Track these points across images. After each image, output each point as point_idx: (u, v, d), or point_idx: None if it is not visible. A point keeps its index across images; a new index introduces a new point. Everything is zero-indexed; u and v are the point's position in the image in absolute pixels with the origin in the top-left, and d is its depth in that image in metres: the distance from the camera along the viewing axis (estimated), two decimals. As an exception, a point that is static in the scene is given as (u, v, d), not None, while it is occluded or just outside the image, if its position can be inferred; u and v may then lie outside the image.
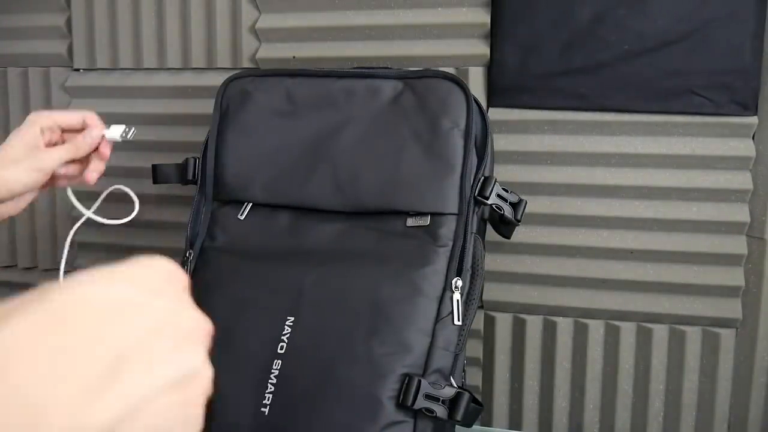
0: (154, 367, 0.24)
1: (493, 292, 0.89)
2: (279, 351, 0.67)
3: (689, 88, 0.81)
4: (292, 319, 0.68)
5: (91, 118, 0.69)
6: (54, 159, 0.66)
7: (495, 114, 0.87)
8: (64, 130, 0.69)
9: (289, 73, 0.81)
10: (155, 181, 0.86)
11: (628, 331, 0.87)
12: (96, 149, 0.69)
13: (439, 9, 0.87)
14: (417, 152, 0.73)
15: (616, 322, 0.87)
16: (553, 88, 0.85)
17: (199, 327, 0.28)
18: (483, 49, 0.87)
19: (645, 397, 0.87)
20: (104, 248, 1.03)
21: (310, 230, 0.75)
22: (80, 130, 0.68)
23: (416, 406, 0.63)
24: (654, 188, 0.84)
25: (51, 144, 0.68)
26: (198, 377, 0.26)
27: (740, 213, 0.83)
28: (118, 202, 1.01)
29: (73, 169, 0.70)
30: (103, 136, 0.69)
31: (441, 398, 0.65)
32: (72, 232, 0.74)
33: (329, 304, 0.68)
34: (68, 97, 1.02)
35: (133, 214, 0.73)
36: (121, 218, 0.73)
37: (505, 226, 0.78)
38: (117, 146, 1.01)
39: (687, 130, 0.83)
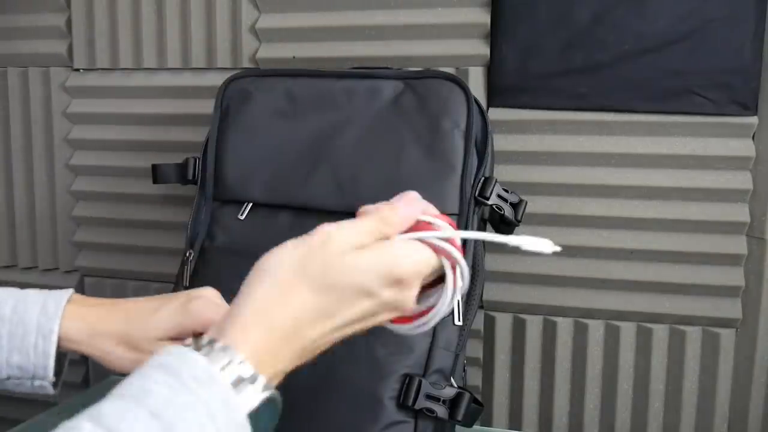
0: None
1: (493, 292, 0.89)
2: (279, 351, 0.67)
3: (689, 88, 0.82)
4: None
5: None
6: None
7: (495, 114, 0.87)
8: None
9: (290, 73, 0.81)
10: (155, 181, 0.86)
11: (628, 331, 0.87)
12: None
13: (439, 9, 0.87)
14: (417, 153, 0.73)
15: (616, 322, 0.87)
16: (553, 88, 0.85)
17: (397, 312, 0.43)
18: (483, 49, 0.87)
19: (645, 397, 0.87)
20: (104, 248, 1.04)
21: (310, 230, 0.75)
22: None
23: (417, 406, 0.63)
24: (654, 188, 0.84)
25: None
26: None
27: (740, 213, 0.83)
28: (118, 202, 1.02)
29: None
30: None
31: (442, 398, 0.65)
32: None
33: (330, 304, 0.68)
34: (68, 97, 1.02)
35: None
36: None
37: (505, 226, 0.78)
38: (117, 146, 1.02)
39: (687, 130, 0.83)
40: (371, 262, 0.41)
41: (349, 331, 0.42)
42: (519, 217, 0.75)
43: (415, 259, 0.42)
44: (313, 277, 0.40)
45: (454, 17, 0.87)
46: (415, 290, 0.43)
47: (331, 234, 0.42)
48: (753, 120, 0.81)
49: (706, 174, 0.83)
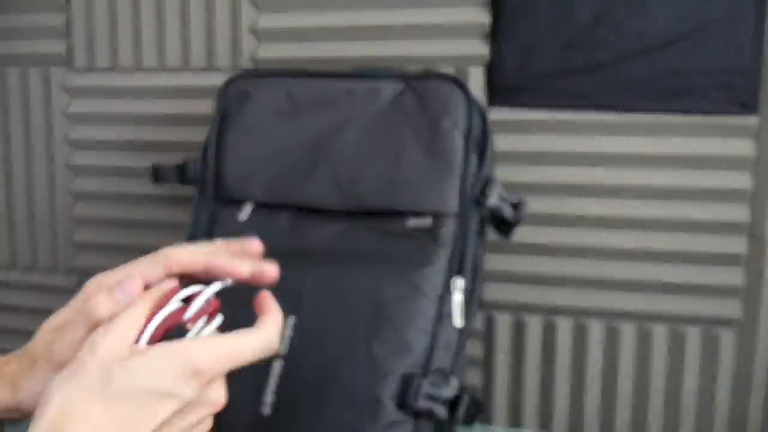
0: None
1: (493, 292, 0.89)
2: (279, 351, 0.67)
3: (689, 88, 0.81)
4: (293, 319, 0.68)
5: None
6: None
7: (495, 114, 0.87)
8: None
9: (290, 74, 0.81)
10: (155, 181, 0.86)
11: (628, 331, 0.87)
12: None
13: (439, 9, 0.87)
14: (417, 153, 0.73)
15: (616, 322, 0.87)
16: (553, 88, 0.85)
17: (210, 406, 0.39)
18: (483, 49, 0.87)
19: (645, 397, 0.87)
20: (104, 248, 1.03)
21: (310, 230, 0.76)
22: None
23: (417, 407, 0.63)
24: (654, 188, 0.84)
25: None
26: None
27: (740, 213, 0.83)
28: (118, 202, 1.02)
29: None
30: None
31: (442, 398, 0.65)
32: None
33: (330, 305, 0.68)
34: (68, 97, 1.02)
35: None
36: None
37: (505, 226, 0.78)
38: (117, 146, 1.02)
39: (687, 130, 0.83)
40: (159, 361, 0.37)
41: None
42: (519, 217, 0.75)
43: (210, 345, 0.39)
44: (100, 389, 0.35)
45: (454, 17, 0.87)
46: (221, 381, 0.40)
47: (95, 342, 0.37)
48: (753, 120, 0.81)
49: (706, 174, 0.83)
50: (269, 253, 0.77)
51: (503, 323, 0.91)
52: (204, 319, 0.41)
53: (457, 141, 0.72)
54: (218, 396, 0.39)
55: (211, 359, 0.38)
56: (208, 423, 0.41)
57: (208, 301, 0.41)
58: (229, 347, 0.39)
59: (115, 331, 0.38)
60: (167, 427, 0.37)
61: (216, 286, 0.42)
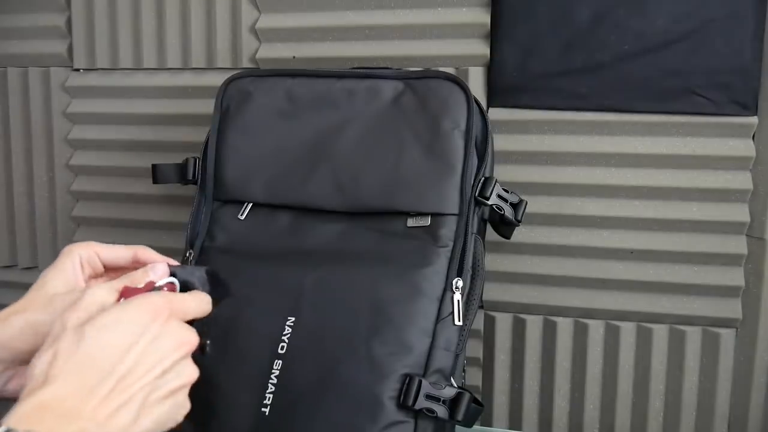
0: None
1: (493, 292, 0.89)
2: (279, 351, 0.67)
3: (689, 88, 0.82)
4: (293, 319, 0.68)
5: (144, 252, 0.54)
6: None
7: (495, 114, 0.87)
8: (108, 268, 0.55)
9: (290, 73, 0.81)
10: (155, 181, 0.86)
11: (628, 331, 0.87)
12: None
13: (439, 9, 0.87)
14: (417, 153, 0.73)
15: (616, 322, 0.87)
16: (553, 88, 0.85)
17: (182, 343, 0.44)
18: (483, 49, 0.87)
19: (645, 397, 0.88)
20: (104, 248, 1.03)
21: (310, 230, 0.76)
22: (129, 268, 0.53)
23: (417, 407, 0.63)
24: (654, 188, 0.84)
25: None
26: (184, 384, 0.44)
27: (740, 213, 0.83)
28: (118, 202, 1.02)
29: None
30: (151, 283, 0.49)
31: (442, 398, 0.65)
32: None
33: (330, 304, 0.68)
34: (68, 97, 1.02)
35: None
36: None
37: (505, 226, 0.78)
38: (117, 146, 1.02)
39: (687, 130, 0.83)
40: (128, 305, 0.44)
41: (141, 369, 0.42)
42: (519, 217, 0.75)
43: (164, 293, 0.47)
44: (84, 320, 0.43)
45: (454, 17, 0.87)
46: (174, 322, 0.45)
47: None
48: (753, 120, 0.81)
49: (706, 174, 0.83)
50: (269, 253, 0.77)
51: (503, 323, 0.91)
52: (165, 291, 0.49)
53: (457, 141, 0.72)
54: (191, 371, 0.45)
55: (165, 299, 0.46)
56: (183, 400, 0.45)
57: (167, 283, 0.49)
58: (177, 294, 0.48)
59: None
60: (141, 361, 0.42)
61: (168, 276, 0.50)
